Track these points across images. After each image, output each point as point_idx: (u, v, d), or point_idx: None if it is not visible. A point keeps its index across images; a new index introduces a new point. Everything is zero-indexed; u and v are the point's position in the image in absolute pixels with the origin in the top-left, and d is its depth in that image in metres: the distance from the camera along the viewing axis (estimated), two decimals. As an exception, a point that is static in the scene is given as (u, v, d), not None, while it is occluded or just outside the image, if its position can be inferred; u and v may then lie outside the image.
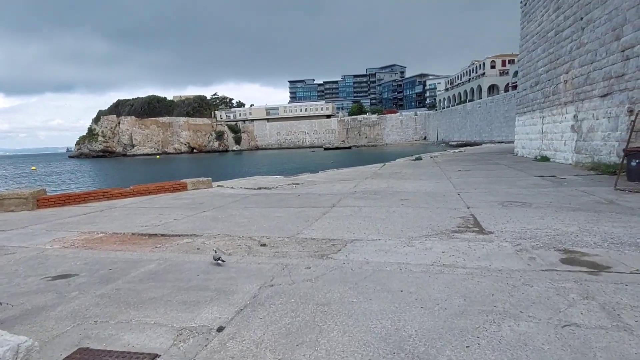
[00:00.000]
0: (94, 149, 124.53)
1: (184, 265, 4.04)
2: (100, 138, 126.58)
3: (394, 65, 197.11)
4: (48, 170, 72.25)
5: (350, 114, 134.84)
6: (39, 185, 40.50)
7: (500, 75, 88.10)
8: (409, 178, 12.17)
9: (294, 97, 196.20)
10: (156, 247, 4.94)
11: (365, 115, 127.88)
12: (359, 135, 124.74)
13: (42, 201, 8.86)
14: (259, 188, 10.95)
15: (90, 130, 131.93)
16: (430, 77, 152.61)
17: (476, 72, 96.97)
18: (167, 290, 3.32)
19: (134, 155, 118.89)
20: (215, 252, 4.22)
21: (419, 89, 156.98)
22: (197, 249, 4.73)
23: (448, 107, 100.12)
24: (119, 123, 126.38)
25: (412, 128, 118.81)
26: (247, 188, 11.05)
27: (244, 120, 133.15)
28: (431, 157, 22.86)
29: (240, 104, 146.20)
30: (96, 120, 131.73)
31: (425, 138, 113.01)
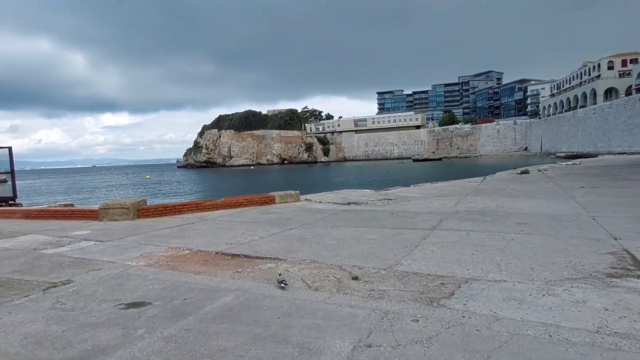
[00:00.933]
0: (199, 160, 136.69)
1: (263, 301, 3.44)
2: (203, 150, 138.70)
3: (489, 71, 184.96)
4: (160, 179, 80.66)
5: (440, 124, 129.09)
6: (152, 192, 45.07)
7: (620, 76, 76.92)
8: (519, 195, 10.48)
9: (382, 109, 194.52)
10: (237, 271, 4.46)
11: (457, 125, 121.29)
12: (450, 146, 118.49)
13: (142, 211, 9.22)
14: (348, 203, 10.26)
15: (195, 143, 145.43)
16: (532, 82, 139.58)
17: (589, 75, 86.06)
18: (240, 338, 2.71)
19: (232, 165, 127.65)
20: (280, 275, 3.96)
21: (518, 95, 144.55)
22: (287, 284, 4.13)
23: (554, 114, 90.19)
24: (220, 136, 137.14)
25: (510, 138, 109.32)
26: (335, 203, 10.44)
27: (332, 132, 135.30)
28: (540, 171, 20.12)
29: (329, 116, 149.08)
30: (201, 134, 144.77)
31: (526, 149, 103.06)
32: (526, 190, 11.71)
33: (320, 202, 10.79)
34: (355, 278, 3.97)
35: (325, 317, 3.00)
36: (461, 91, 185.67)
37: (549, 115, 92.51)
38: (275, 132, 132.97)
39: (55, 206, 13.82)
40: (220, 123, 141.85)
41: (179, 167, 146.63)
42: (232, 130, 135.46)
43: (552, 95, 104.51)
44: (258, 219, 8.43)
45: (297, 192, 11.25)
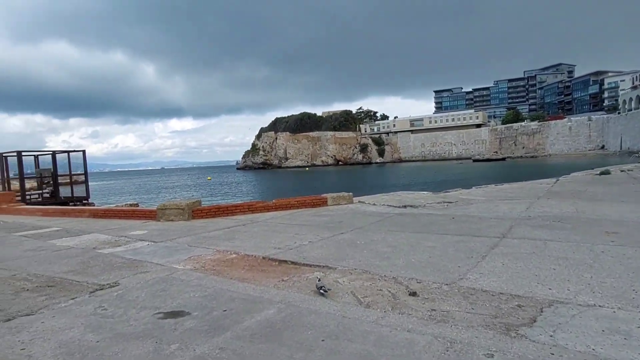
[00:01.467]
0: (256, 162, 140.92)
1: (308, 317, 3.07)
2: (261, 152, 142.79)
3: (559, 64, 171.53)
4: (220, 180, 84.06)
5: (503, 122, 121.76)
6: (213, 193, 46.95)
7: None
8: (602, 199, 9.23)
9: (439, 107, 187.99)
10: (283, 280, 4.15)
11: (522, 123, 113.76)
12: (515, 145, 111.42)
13: (196, 212, 9.31)
14: (404, 206, 9.65)
15: (253, 145, 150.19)
16: (610, 74, 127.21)
17: (681, 63, 76.39)
18: (278, 364, 2.36)
19: (287, 167, 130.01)
20: (319, 281, 3.82)
21: (593, 89, 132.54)
22: (328, 289, 3.74)
23: (637, 108, 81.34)
24: (276, 138, 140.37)
25: (584, 135, 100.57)
26: (390, 205, 9.88)
27: (387, 133, 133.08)
28: (623, 171, 17.94)
29: (384, 117, 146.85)
30: (258, 136, 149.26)
31: (603, 147, 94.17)
32: (610, 193, 10.33)
33: (374, 204, 10.28)
34: (413, 294, 3.48)
35: (377, 343, 2.56)
36: (527, 86, 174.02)
37: (631, 110, 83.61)
38: (329, 133, 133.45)
39: (122, 206, 14.56)
40: (277, 125, 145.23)
41: (237, 168, 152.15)
42: (287, 133, 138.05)
43: (635, 87, 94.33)
44: (309, 221, 8.13)
45: (350, 194, 10.84)
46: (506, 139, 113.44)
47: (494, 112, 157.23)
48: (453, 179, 47.15)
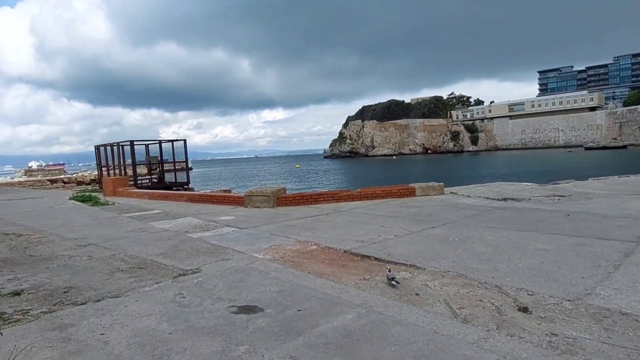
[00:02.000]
0: (343, 150, 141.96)
1: (392, 329, 2.63)
2: (348, 141, 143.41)
3: None
4: (308, 168, 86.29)
5: (625, 105, 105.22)
6: (301, 180, 48.31)
7: None
8: None
9: (544, 90, 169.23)
10: (365, 278, 3.76)
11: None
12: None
13: (281, 199, 9.34)
14: (504, 199, 8.57)
15: (340, 134, 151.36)
16: None
17: None
18: (354, 387, 1.98)
19: (374, 155, 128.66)
20: (390, 272, 3.65)
21: None
22: (416, 294, 3.26)
23: None
24: (363, 127, 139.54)
25: None
26: (487, 198, 8.86)
27: (482, 119, 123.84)
28: None
29: (479, 102, 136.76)
30: (345, 125, 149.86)
31: None
32: None
33: (468, 196, 9.33)
34: (524, 309, 2.83)
35: (480, 374, 2.04)
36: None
37: None
38: (418, 120, 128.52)
39: (216, 192, 15.43)
40: (364, 114, 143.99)
41: (325, 157, 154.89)
42: (375, 121, 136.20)
43: None
44: (395, 213, 7.60)
45: (441, 184, 9.99)
46: (628, 123, 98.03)
47: (613, 92, 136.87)
48: (561, 169, 42.04)
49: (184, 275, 4.15)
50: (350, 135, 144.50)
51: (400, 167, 68.82)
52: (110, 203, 11.83)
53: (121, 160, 18.29)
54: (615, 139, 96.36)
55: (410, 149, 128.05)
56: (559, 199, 8.22)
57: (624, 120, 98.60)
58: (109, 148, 18.30)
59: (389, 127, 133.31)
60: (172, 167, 18.14)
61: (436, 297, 3.18)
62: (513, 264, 3.99)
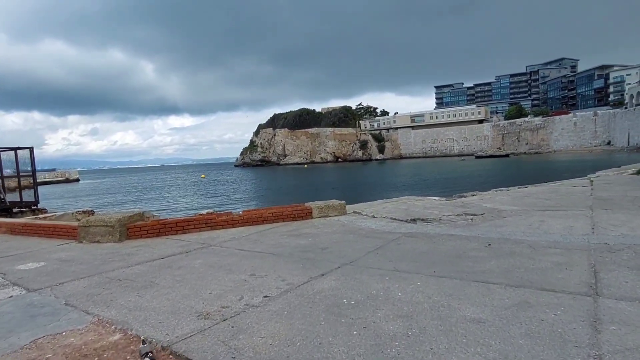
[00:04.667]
0: (254, 159, 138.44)
1: None
2: (259, 149, 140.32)
3: (562, 59, 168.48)
4: (216, 178, 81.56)
5: (506, 118, 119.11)
6: (203, 192, 44.42)
7: None
8: (681, 211, 6.80)
9: (440, 103, 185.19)
10: None
11: (526, 119, 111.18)
12: (518, 141, 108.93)
13: (132, 230, 6.89)
14: (413, 220, 7.22)
15: (251, 142, 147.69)
16: (615, 68, 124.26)
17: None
18: None
19: (286, 164, 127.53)
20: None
21: (598, 83, 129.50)
22: None
23: (646, 102, 78.63)
24: (274, 135, 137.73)
25: (589, 131, 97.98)
26: (394, 219, 7.45)
27: (387, 129, 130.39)
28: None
29: (385, 113, 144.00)
30: (256, 133, 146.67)
31: (609, 143, 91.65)
32: (681, 200, 7.90)
33: (373, 216, 7.85)
34: None
35: None
36: (529, 81, 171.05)
37: (639, 105, 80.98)
38: (329, 129, 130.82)
39: (70, 214, 12.19)
40: (275, 122, 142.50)
41: (235, 165, 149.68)
42: (286, 129, 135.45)
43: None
44: (281, 246, 5.70)
45: (343, 202, 8.39)
46: (509, 134, 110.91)
47: (496, 107, 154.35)
48: (459, 177, 44.68)
49: None
50: (261, 143, 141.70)
51: (311, 176, 68.23)
52: None
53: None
54: (499, 148, 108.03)
55: (321, 158, 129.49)
56: (472, 219, 7.08)
57: (506, 132, 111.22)
58: None
59: (300, 136, 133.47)
60: (18, 183, 14.15)
61: None
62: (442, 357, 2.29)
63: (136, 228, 6.91)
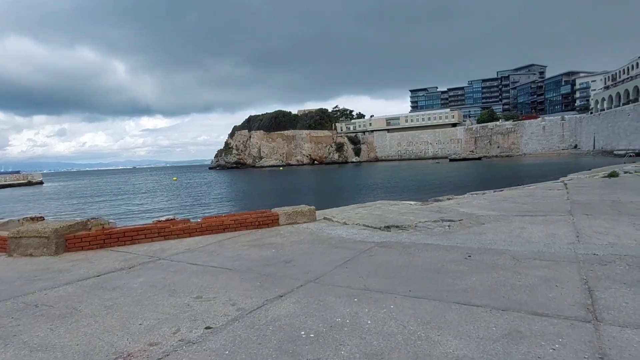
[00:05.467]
0: (229, 161, 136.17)
1: None
2: (234, 151, 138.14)
3: (531, 65, 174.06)
4: (189, 181, 79.49)
5: (479, 122, 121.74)
6: (174, 196, 42.90)
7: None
8: (661, 215, 6.54)
9: (415, 107, 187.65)
10: None
11: (497, 123, 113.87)
12: (490, 144, 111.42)
13: (73, 241, 6.07)
14: (387, 227, 6.70)
15: (226, 144, 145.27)
16: (581, 74, 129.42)
17: (652, 63, 77.27)
18: None
19: (262, 166, 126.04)
20: None
21: (565, 89, 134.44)
22: None
23: (609, 108, 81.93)
24: (250, 137, 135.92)
25: (557, 135, 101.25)
26: (367, 226, 6.91)
27: (363, 132, 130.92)
28: (628, 172, 15.64)
29: (361, 115, 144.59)
30: (231, 135, 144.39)
31: (576, 147, 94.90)
32: (658, 204, 7.70)
33: (345, 223, 7.29)
34: None
35: None
36: (500, 86, 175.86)
37: (603, 110, 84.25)
38: (305, 132, 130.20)
39: (15, 220, 11.06)
40: (251, 124, 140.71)
41: (210, 168, 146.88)
42: (262, 131, 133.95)
43: (607, 87, 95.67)
44: (239, 260, 5.05)
45: (312, 208, 7.79)
46: (481, 138, 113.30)
47: (469, 111, 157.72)
48: (434, 180, 44.89)
49: None
50: (236, 145, 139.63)
51: (286, 179, 67.39)
52: None
53: None
54: (472, 151, 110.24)
55: (297, 160, 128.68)
56: (449, 226, 6.62)
57: (478, 135, 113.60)
58: None
59: (276, 138, 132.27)
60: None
61: None
62: None
63: (76, 239, 6.09)
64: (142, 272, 4.72)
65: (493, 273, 3.98)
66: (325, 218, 7.83)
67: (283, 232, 6.76)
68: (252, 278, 4.25)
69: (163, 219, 9.58)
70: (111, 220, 11.82)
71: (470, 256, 4.64)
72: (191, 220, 7.34)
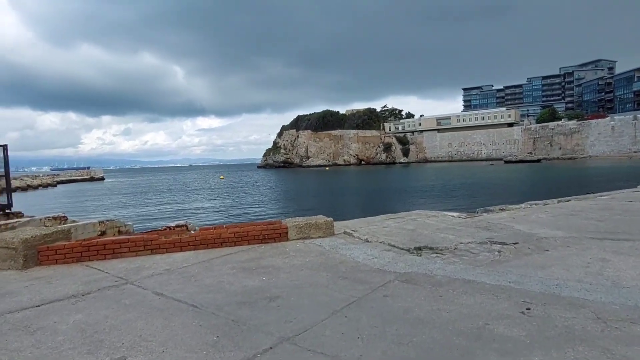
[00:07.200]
0: (277, 160, 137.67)
1: None
2: (282, 150, 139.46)
3: (598, 60, 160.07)
4: (237, 179, 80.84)
5: (538, 121, 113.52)
6: (217, 195, 43.31)
7: None
8: None
9: (468, 106, 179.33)
10: None
11: (559, 122, 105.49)
12: (550, 145, 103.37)
13: (46, 253, 5.28)
14: (418, 248, 5.31)
15: (274, 143, 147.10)
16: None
17: None
18: None
19: (308, 166, 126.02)
20: None
21: (637, 86, 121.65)
22: None
23: (695, 106, 72.70)
24: (298, 137, 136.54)
25: (629, 136, 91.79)
26: (393, 246, 5.54)
27: (412, 132, 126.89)
28: None
29: (410, 115, 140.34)
30: (279, 134, 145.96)
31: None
32: None
33: (367, 240, 5.96)
34: None
35: None
36: (563, 84, 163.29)
37: (686, 108, 75.01)
38: (352, 132, 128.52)
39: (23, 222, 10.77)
40: (299, 123, 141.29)
41: (258, 167, 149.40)
42: (309, 131, 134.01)
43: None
44: (215, 291, 3.92)
45: (330, 220, 6.51)
46: (541, 139, 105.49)
47: (527, 110, 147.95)
48: (487, 184, 41.73)
49: None
50: (284, 145, 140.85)
51: (330, 179, 66.36)
52: None
53: None
54: (530, 153, 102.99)
55: (344, 160, 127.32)
56: (499, 251, 5.09)
57: (537, 136, 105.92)
58: None
59: (323, 138, 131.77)
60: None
61: None
62: None
63: (50, 251, 5.29)
64: (91, 303, 3.73)
65: (568, 348, 2.53)
66: (345, 232, 6.55)
67: (289, 250, 5.57)
68: (213, 326, 3.09)
69: (173, 224, 8.77)
70: (128, 223, 11.23)
71: (529, 310, 3.18)
72: (217, 225, 6.39)
